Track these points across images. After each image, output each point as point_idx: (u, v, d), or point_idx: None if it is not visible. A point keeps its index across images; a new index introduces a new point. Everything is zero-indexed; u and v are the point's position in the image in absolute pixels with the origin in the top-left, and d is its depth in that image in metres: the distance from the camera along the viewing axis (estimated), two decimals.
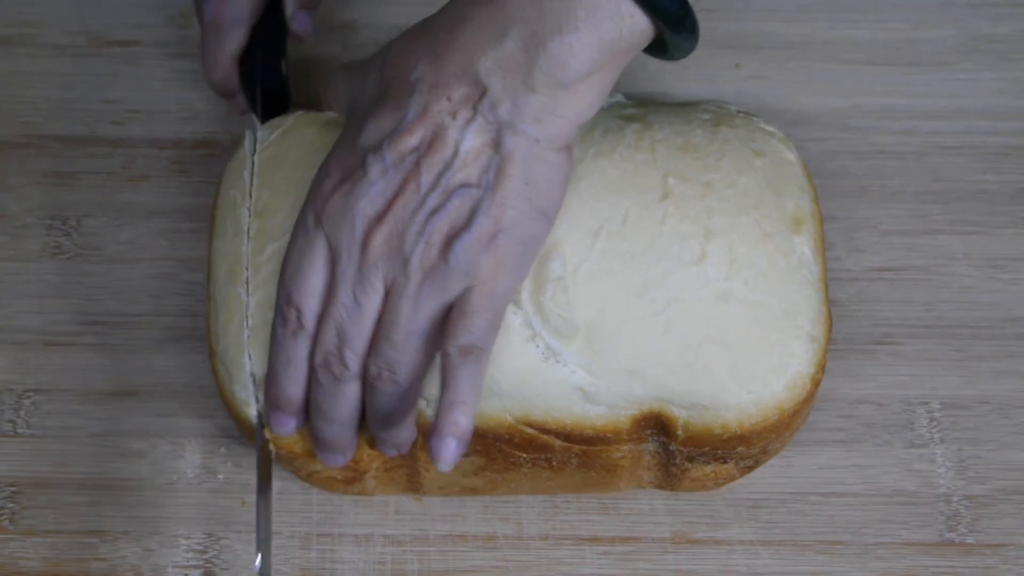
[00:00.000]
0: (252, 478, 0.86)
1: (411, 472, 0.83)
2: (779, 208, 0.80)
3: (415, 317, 0.74)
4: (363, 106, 0.77)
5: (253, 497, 0.85)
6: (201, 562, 0.85)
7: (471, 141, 0.74)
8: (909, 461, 0.87)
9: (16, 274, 0.92)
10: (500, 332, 0.76)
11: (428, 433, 0.74)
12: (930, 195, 0.94)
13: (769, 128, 0.84)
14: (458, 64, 0.74)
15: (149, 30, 0.99)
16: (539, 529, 0.86)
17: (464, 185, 0.74)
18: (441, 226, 0.74)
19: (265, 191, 0.81)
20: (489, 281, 0.74)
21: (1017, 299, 0.91)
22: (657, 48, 0.76)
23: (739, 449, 0.81)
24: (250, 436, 0.82)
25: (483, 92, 0.73)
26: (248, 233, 0.81)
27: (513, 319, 0.78)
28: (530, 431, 0.79)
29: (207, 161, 0.95)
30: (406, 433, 0.78)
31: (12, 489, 0.87)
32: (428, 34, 0.75)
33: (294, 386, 0.77)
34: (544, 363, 0.78)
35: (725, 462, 0.82)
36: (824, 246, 0.83)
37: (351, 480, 0.84)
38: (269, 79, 0.89)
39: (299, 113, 0.85)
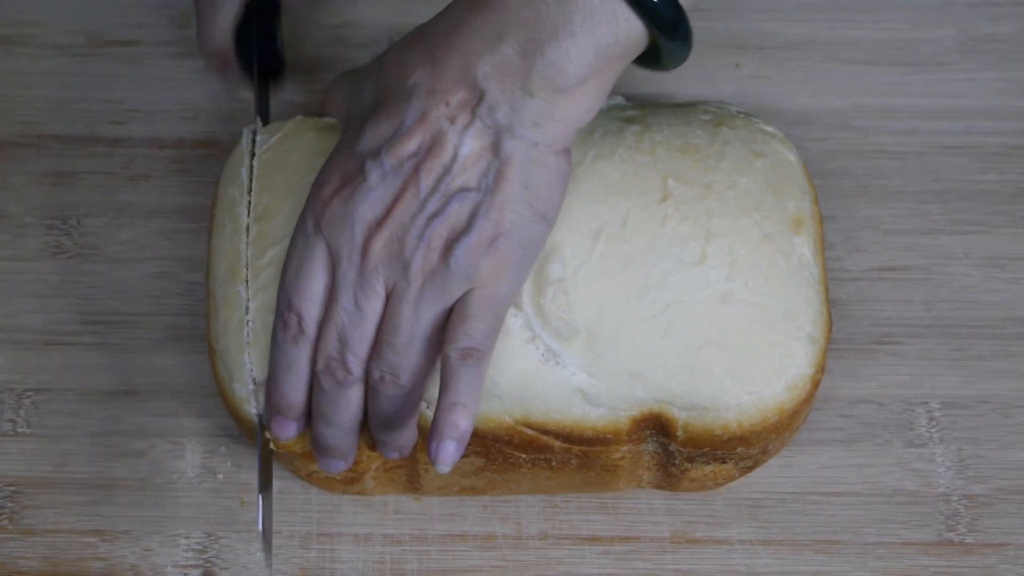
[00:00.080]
0: (252, 478, 0.86)
1: (410, 472, 0.84)
2: (779, 209, 0.80)
3: (416, 321, 0.74)
4: (361, 113, 0.77)
5: (253, 497, 0.85)
6: (200, 562, 0.85)
7: (470, 145, 0.73)
8: (909, 461, 0.87)
9: (16, 273, 0.92)
10: (500, 334, 0.76)
11: (428, 435, 0.74)
12: (930, 195, 0.94)
13: (769, 129, 0.83)
14: (456, 69, 0.74)
15: (149, 30, 0.99)
16: (538, 529, 0.86)
17: (463, 189, 0.74)
18: (441, 230, 0.74)
19: (265, 195, 0.81)
20: (489, 284, 0.74)
21: (1017, 299, 0.91)
22: (651, 58, 0.76)
23: (739, 449, 0.81)
24: (250, 435, 0.82)
25: (481, 96, 0.73)
26: (247, 231, 0.81)
27: (513, 321, 0.78)
28: (530, 432, 0.79)
29: (207, 161, 0.95)
30: (408, 436, 0.78)
31: (12, 489, 0.87)
32: (425, 40, 0.75)
33: (295, 391, 0.77)
34: (544, 365, 0.78)
35: (725, 462, 0.82)
36: (824, 246, 0.83)
37: (351, 480, 0.84)
38: (265, 47, 0.89)
39: (298, 118, 0.84)
